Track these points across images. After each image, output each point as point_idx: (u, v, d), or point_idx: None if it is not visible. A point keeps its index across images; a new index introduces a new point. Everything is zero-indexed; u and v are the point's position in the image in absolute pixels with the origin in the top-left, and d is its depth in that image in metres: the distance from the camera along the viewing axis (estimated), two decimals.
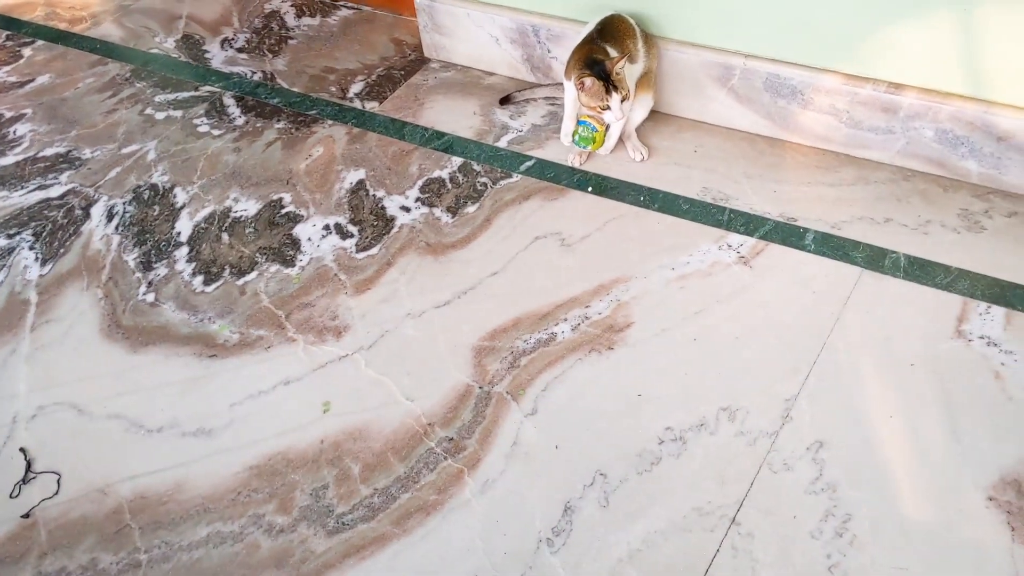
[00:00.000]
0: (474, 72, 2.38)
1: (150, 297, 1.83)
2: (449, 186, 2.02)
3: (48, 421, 1.62)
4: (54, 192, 2.10)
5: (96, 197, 2.08)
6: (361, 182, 2.05)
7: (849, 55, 1.87)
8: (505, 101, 2.25)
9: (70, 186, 2.11)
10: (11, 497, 1.51)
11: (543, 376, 1.61)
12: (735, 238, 1.83)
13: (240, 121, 2.27)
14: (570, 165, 2.04)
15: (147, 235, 1.97)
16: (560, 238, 1.87)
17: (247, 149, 2.18)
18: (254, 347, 1.71)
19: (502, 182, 2.02)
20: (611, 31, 1.93)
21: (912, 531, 1.35)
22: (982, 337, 1.60)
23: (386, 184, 2.04)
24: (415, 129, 2.19)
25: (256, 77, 2.43)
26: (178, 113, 2.32)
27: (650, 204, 1.93)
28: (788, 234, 1.83)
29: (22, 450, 1.57)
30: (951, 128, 1.84)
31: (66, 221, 2.02)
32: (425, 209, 1.97)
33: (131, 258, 1.92)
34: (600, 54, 1.85)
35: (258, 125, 2.25)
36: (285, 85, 2.39)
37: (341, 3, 2.73)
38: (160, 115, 2.32)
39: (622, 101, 1.85)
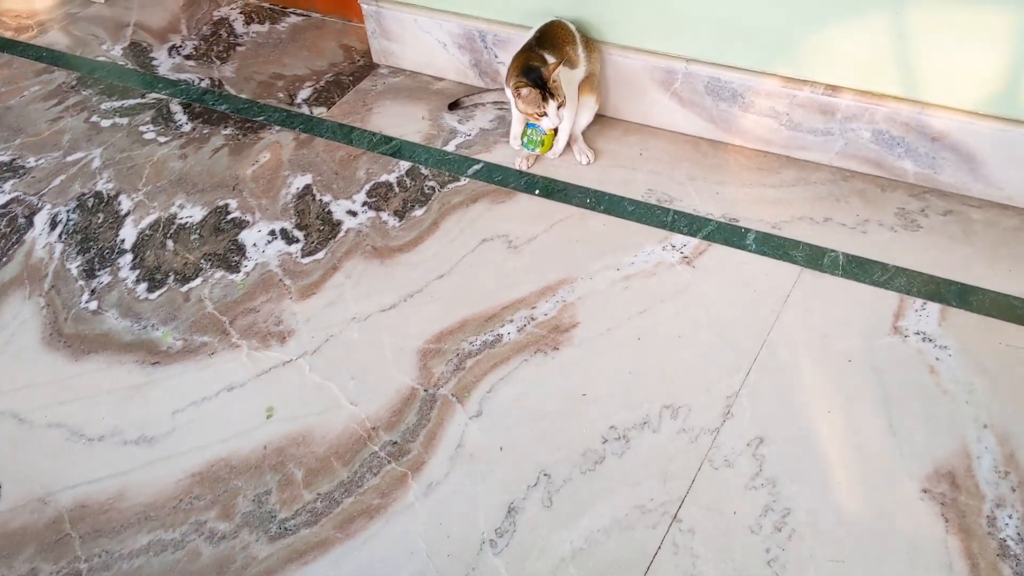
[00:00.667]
0: (423, 77, 2.39)
1: (93, 305, 1.81)
2: (396, 190, 2.02)
3: None
4: None
5: (40, 205, 2.05)
6: (308, 187, 2.05)
7: (787, 58, 1.90)
8: (454, 106, 2.25)
9: (13, 195, 2.09)
10: None
11: (489, 378, 1.62)
12: (679, 239, 1.85)
13: (187, 128, 2.26)
14: (518, 168, 2.05)
15: (91, 243, 1.95)
16: (507, 240, 1.88)
17: (193, 156, 2.16)
18: (198, 353, 1.70)
19: (450, 185, 2.02)
20: (550, 38, 1.94)
21: (849, 523, 1.37)
22: (918, 333, 1.63)
23: (333, 189, 2.04)
24: (363, 134, 2.19)
25: (204, 84, 2.42)
26: (124, 120, 2.29)
27: (596, 206, 1.94)
28: (730, 234, 1.85)
29: None
30: (887, 129, 1.87)
31: (8, 230, 1.99)
32: (372, 213, 1.97)
33: (74, 266, 1.90)
34: (537, 61, 1.86)
35: (205, 132, 2.24)
36: (233, 92, 2.38)
37: (290, 10, 2.72)
38: (106, 123, 2.29)
39: (559, 108, 1.86)
